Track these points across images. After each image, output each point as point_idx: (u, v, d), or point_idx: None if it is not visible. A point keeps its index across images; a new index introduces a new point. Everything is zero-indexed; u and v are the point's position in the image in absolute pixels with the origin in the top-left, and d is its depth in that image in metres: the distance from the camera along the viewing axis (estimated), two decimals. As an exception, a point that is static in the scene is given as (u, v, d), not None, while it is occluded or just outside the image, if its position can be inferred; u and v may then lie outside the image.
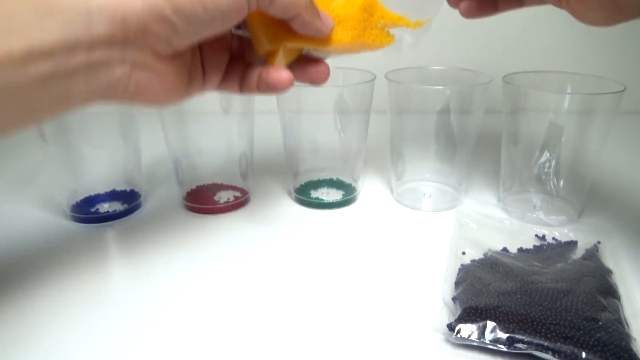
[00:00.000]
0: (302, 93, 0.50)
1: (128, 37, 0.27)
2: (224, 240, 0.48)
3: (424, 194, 0.54)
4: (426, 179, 0.54)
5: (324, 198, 0.53)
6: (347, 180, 0.56)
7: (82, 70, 0.27)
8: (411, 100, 0.50)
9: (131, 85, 0.30)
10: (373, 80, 0.50)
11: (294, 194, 0.54)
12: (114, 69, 0.28)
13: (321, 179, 0.56)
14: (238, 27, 0.34)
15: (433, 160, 0.53)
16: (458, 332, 0.33)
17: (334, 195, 0.54)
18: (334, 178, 0.56)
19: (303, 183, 0.56)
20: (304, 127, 0.52)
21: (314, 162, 0.55)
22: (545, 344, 0.31)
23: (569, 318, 0.32)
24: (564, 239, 0.44)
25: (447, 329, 0.33)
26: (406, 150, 0.53)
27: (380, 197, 0.55)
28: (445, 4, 0.45)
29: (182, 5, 0.27)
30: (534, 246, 0.43)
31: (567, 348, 0.30)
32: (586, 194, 0.49)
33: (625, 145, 0.69)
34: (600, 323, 0.32)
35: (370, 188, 0.57)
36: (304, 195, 0.54)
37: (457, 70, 0.52)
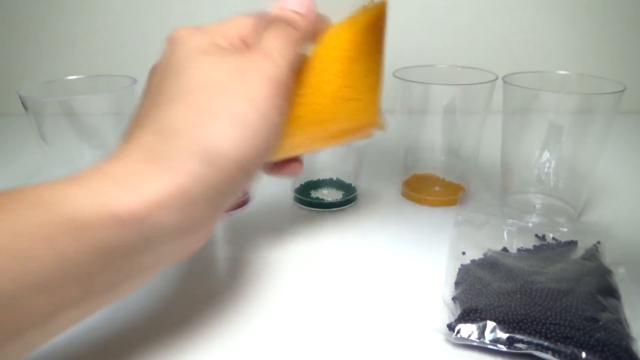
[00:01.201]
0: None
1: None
2: (224, 240, 0.48)
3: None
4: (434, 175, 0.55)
5: (323, 198, 0.53)
6: (347, 180, 0.56)
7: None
8: (420, 98, 0.50)
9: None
10: None
11: (293, 194, 0.54)
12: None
13: (321, 179, 0.56)
14: None
15: (439, 160, 0.53)
16: (458, 332, 0.33)
17: (334, 195, 0.54)
18: (334, 178, 0.56)
19: (303, 183, 0.56)
20: None
21: (313, 162, 0.55)
22: (545, 344, 0.31)
23: (569, 318, 0.32)
24: (564, 239, 0.44)
25: (447, 329, 0.33)
26: (415, 149, 0.53)
27: (380, 197, 0.55)
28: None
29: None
30: (534, 246, 0.43)
31: (567, 348, 0.30)
32: (586, 194, 0.49)
33: (625, 145, 0.69)
34: (600, 323, 0.32)
35: (371, 188, 0.57)
36: (304, 195, 0.54)
37: (463, 69, 0.53)
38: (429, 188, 0.54)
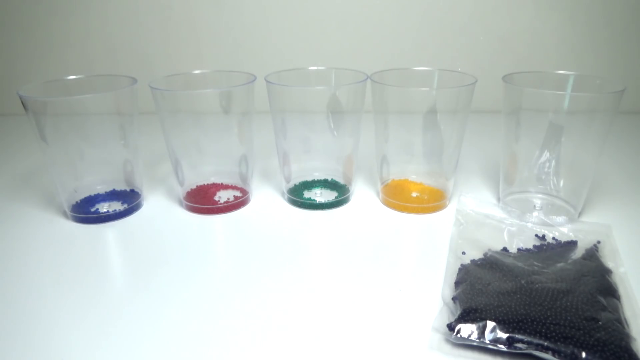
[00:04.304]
0: (295, 93, 0.50)
1: None
2: (223, 240, 0.48)
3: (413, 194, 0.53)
4: (413, 180, 0.54)
5: (315, 199, 0.53)
6: (342, 180, 0.56)
7: None
8: (395, 101, 0.49)
9: None
10: (365, 80, 0.50)
11: (286, 195, 0.54)
12: None
13: (316, 179, 0.56)
14: None
15: (417, 162, 0.53)
16: (458, 332, 0.33)
17: (327, 195, 0.54)
18: (329, 179, 0.56)
19: (297, 183, 0.56)
20: (297, 127, 0.52)
21: (307, 163, 0.55)
22: (545, 344, 0.31)
23: (569, 318, 0.32)
24: (564, 239, 0.44)
25: (447, 329, 0.33)
26: (391, 153, 0.52)
27: (376, 197, 0.55)
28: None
29: None
30: (534, 246, 0.43)
31: (567, 348, 0.30)
32: (586, 194, 0.49)
33: (625, 145, 0.69)
34: (600, 323, 0.32)
35: (366, 188, 0.57)
36: (297, 196, 0.54)
37: (441, 72, 0.52)
38: (407, 194, 0.53)
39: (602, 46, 0.82)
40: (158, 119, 0.50)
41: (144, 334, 0.35)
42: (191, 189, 0.54)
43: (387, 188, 0.54)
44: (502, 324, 0.32)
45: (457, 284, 0.38)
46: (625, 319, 0.33)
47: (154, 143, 0.60)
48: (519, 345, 0.31)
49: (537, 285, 0.35)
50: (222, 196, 0.53)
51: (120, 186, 0.54)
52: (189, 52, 0.86)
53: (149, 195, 0.56)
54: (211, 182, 0.55)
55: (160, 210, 0.53)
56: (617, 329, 0.31)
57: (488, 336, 0.32)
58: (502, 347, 0.31)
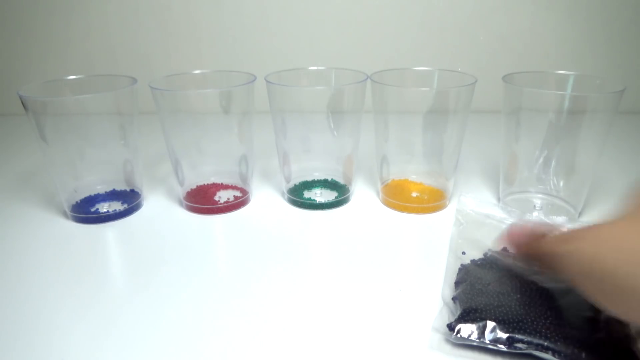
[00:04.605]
0: (295, 93, 0.50)
1: None
2: (223, 240, 0.48)
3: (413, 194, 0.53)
4: (413, 180, 0.54)
5: (315, 199, 0.53)
6: (342, 180, 0.56)
7: None
8: (395, 101, 0.49)
9: None
10: (365, 80, 0.50)
11: (286, 195, 0.54)
12: None
13: (316, 179, 0.56)
14: None
15: (417, 162, 0.53)
16: (458, 332, 0.33)
17: (327, 195, 0.54)
18: (329, 179, 0.56)
19: (297, 183, 0.56)
20: (297, 127, 0.52)
21: (307, 163, 0.55)
22: (545, 344, 0.31)
23: (569, 318, 0.32)
24: (564, 239, 0.44)
25: (447, 329, 0.33)
26: (391, 153, 0.52)
27: (376, 197, 0.55)
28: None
29: None
30: (534, 246, 0.43)
31: (567, 348, 0.30)
32: (586, 194, 0.49)
33: (625, 145, 0.69)
34: (600, 323, 0.32)
35: (366, 188, 0.57)
36: (297, 195, 0.54)
37: (441, 72, 0.52)
38: (407, 194, 0.53)
39: (602, 46, 0.82)
40: (158, 119, 0.50)
41: (144, 334, 0.35)
42: (191, 189, 0.54)
43: (387, 188, 0.54)
44: (502, 324, 0.32)
45: (457, 284, 0.38)
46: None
47: (154, 143, 0.60)
48: (519, 345, 0.31)
49: (537, 285, 0.35)
50: (222, 196, 0.53)
51: (120, 186, 0.54)
52: (189, 52, 0.86)
53: (149, 195, 0.56)
54: (211, 182, 0.55)
55: (160, 210, 0.53)
56: (617, 329, 0.31)
57: (488, 336, 0.32)
58: (502, 347, 0.31)
